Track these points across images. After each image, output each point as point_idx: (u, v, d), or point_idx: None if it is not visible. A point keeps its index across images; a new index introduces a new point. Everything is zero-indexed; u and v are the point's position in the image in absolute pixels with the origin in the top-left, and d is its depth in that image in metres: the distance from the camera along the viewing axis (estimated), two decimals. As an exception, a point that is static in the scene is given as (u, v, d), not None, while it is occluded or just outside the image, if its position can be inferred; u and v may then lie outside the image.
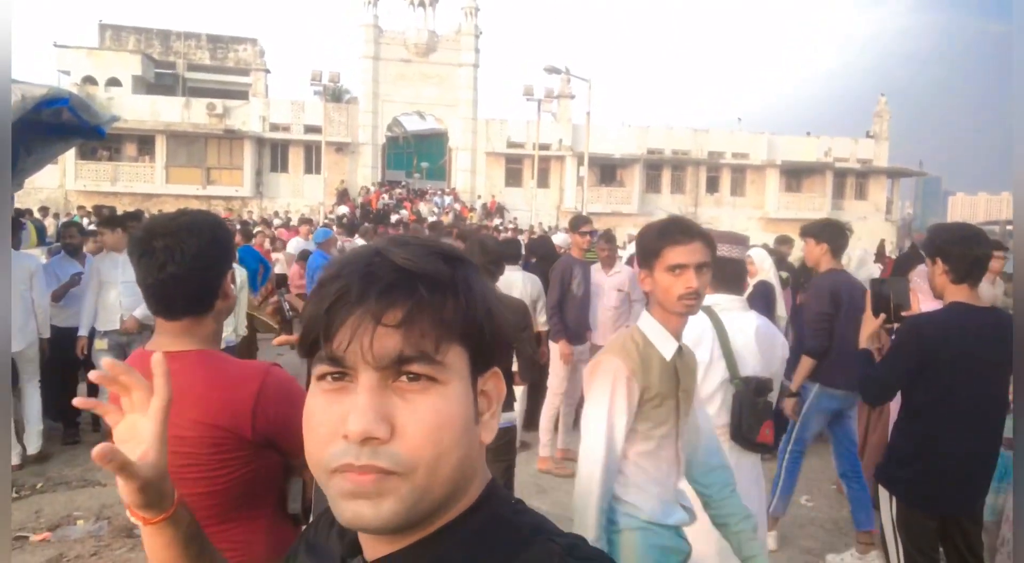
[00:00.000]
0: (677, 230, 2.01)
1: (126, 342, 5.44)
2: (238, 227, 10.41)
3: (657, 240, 2.02)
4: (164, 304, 1.50)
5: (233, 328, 5.50)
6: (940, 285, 2.68)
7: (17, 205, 11.09)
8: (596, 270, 6.14)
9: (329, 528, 0.80)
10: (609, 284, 6.10)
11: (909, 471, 2.70)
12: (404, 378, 0.63)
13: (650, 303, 2.11)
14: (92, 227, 8.93)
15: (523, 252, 7.06)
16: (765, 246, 6.35)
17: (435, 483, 0.64)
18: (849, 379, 4.14)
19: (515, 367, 3.97)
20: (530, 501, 3.57)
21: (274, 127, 33.09)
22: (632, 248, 13.01)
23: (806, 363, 4.18)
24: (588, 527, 1.97)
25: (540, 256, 7.20)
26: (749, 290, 4.49)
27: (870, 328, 2.82)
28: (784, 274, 6.32)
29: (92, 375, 0.84)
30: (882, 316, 2.79)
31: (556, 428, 5.73)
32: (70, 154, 28.02)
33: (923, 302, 3.35)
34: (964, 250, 2.61)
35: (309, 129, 32.92)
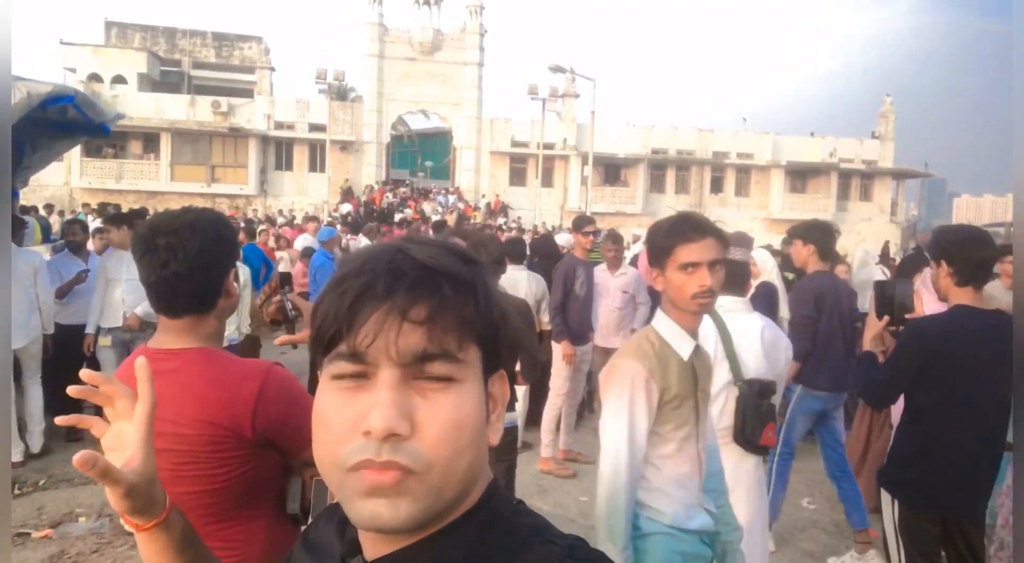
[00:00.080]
0: (688, 227, 1.96)
1: (129, 339, 5.45)
2: (242, 225, 10.44)
3: (668, 238, 1.97)
4: (166, 302, 1.50)
5: (236, 326, 5.51)
6: (944, 287, 2.67)
7: (22, 202, 11.13)
8: (601, 270, 6.13)
9: (329, 528, 0.80)
10: (614, 285, 6.08)
11: (911, 474, 2.69)
12: (425, 376, 0.63)
13: (664, 303, 2.06)
14: (97, 225, 8.96)
15: (528, 251, 7.06)
16: (769, 247, 6.34)
17: (449, 483, 0.64)
18: (832, 380, 4.16)
19: (517, 367, 3.97)
20: (531, 501, 3.58)
21: (279, 125, 33.13)
22: (636, 248, 12.99)
23: (791, 366, 4.20)
24: (616, 535, 1.91)
25: (542, 255, 7.20)
26: (752, 292, 4.50)
27: (873, 330, 2.81)
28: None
29: (71, 390, 0.83)
30: (886, 318, 2.78)
31: (558, 428, 5.73)
32: (75, 151, 28.09)
33: (927, 304, 3.34)
34: (968, 252, 2.59)
35: (314, 127, 32.96)
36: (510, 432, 3.55)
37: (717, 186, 37.29)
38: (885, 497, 2.78)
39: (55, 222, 15.41)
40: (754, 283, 4.84)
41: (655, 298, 6.73)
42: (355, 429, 0.62)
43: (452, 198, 31.78)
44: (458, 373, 0.64)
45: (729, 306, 2.80)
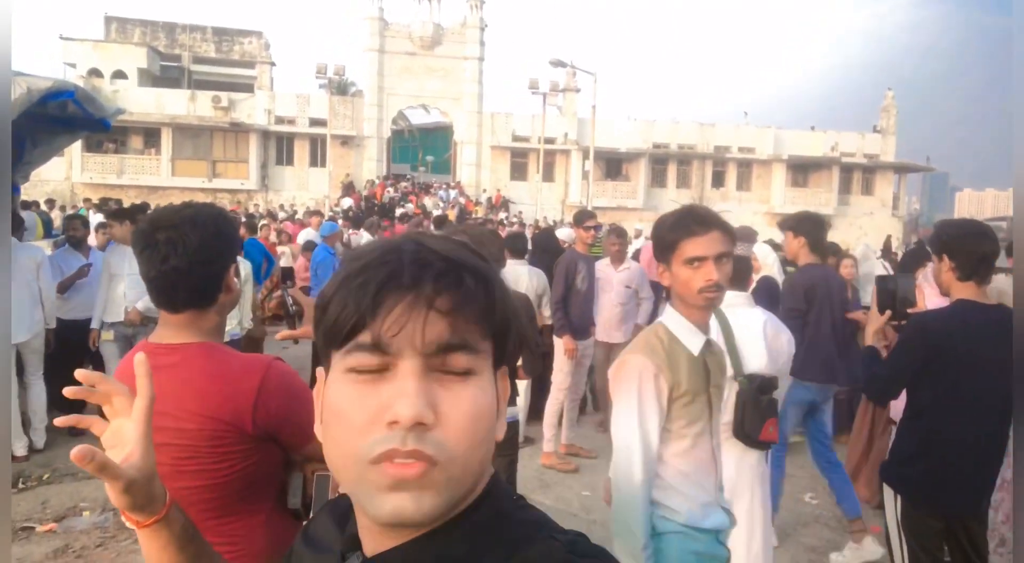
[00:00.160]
0: (693, 221, 1.93)
1: (132, 334, 5.47)
2: (243, 220, 10.42)
3: (672, 232, 1.94)
4: (166, 297, 1.50)
5: (238, 321, 5.51)
6: (946, 282, 2.66)
7: (23, 197, 11.12)
8: (604, 265, 6.10)
9: (328, 522, 0.80)
10: (617, 279, 6.05)
11: (914, 469, 2.68)
12: (446, 367, 0.63)
13: (672, 298, 2.04)
14: (99, 220, 8.96)
15: (529, 246, 7.05)
16: (770, 242, 6.34)
17: (466, 476, 0.64)
18: (822, 372, 4.17)
19: (519, 361, 3.97)
20: (534, 496, 3.58)
21: (279, 120, 33.10)
22: (638, 243, 12.98)
23: None
24: (634, 534, 1.88)
25: (542, 250, 7.20)
26: (753, 286, 4.50)
27: (875, 325, 2.80)
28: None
29: (67, 391, 0.83)
30: (888, 313, 2.77)
31: (560, 423, 5.73)
32: (76, 147, 28.06)
33: (929, 299, 3.33)
34: (970, 247, 2.58)
35: (314, 122, 32.93)
36: (511, 427, 3.56)
37: (719, 180, 37.22)
38: (888, 493, 2.78)
39: (56, 217, 15.40)
40: (755, 277, 4.85)
41: (658, 293, 6.74)
42: (377, 420, 0.61)
43: (453, 193, 31.76)
44: (476, 365, 0.65)
45: (731, 300, 2.79)
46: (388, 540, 0.66)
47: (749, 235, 5.28)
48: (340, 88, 35.53)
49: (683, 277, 1.93)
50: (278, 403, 1.45)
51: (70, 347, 5.63)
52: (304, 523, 0.92)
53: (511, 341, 0.69)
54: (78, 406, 3.84)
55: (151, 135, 31.74)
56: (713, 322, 2.67)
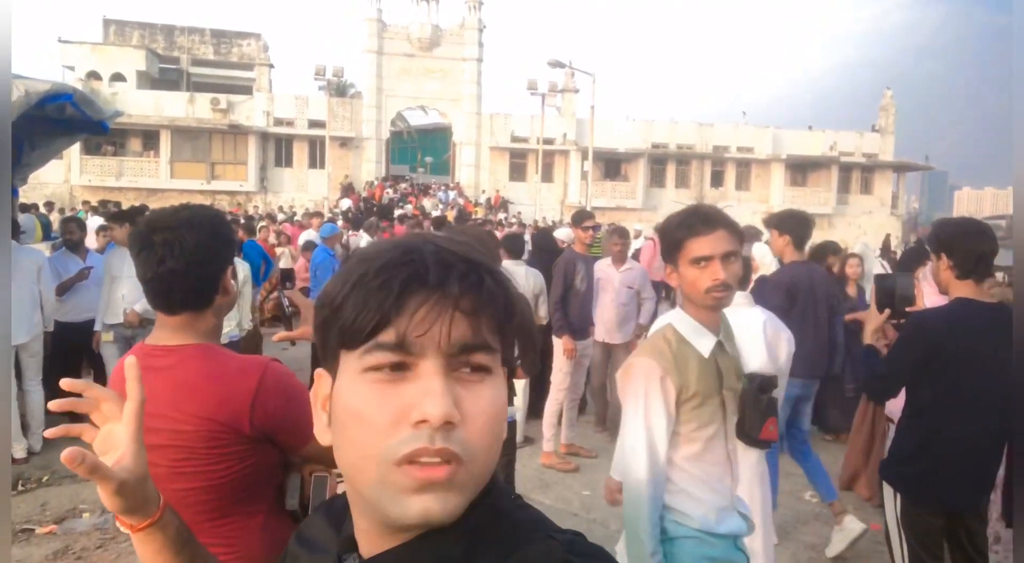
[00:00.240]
0: (698, 220, 1.91)
1: (131, 335, 5.47)
2: (241, 222, 10.44)
3: (678, 232, 1.93)
4: (163, 298, 1.49)
5: (237, 323, 5.51)
6: (945, 280, 2.66)
7: (22, 200, 11.14)
8: (606, 265, 6.08)
9: (323, 524, 0.80)
10: (619, 280, 6.02)
11: (913, 468, 2.68)
12: (466, 367, 0.63)
13: (681, 299, 2.02)
14: (99, 222, 8.96)
15: (527, 247, 7.06)
16: (768, 242, 6.35)
17: (484, 474, 0.64)
18: (806, 367, 4.20)
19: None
20: (534, 496, 3.58)
21: (278, 122, 33.10)
22: (637, 243, 13.00)
23: None
24: (642, 540, 1.85)
25: (540, 249, 7.22)
26: (751, 286, 4.52)
27: (874, 324, 2.81)
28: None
29: (53, 405, 0.83)
30: (887, 311, 2.77)
31: (560, 423, 5.73)
32: (75, 149, 28.08)
33: (928, 297, 3.33)
34: (968, 245, 2.58)
35: (313, 124, 32.94)
36: (509, 426, 3.55)
37: (717, 180, 37.23)
38: (887, 491, 2.78)
39: (55, 220, 15.40)
40: (753, 277, 4.86)
41: (658, 293, 6.74)
42: (402, 420, 0.61)
43: (452, 194, 31.77)
44: (493, 365, 0.65)
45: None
46: (385, 541, 0.66)
47: (755, 235, 5.29)
48: (339, 90, 35.55)
49: (690, 277, 1.91)
50: (276, 404, 1.45)
51: (67, 349, 5.65)
52: (299, 525, 0.92)
53: (523, 341, 0.70)
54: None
55: (150, 137, 31.74)
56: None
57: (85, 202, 22.43)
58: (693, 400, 1.91)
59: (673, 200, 29.54)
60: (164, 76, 35.81)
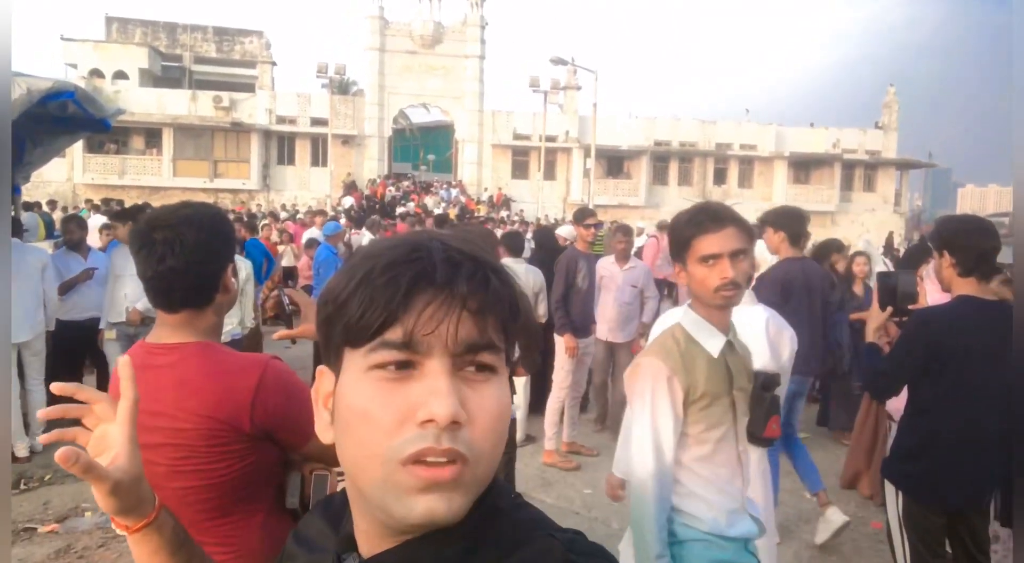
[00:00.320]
0: (707, 218, 1.88)
1: (133, 333, 5.49)
2: (244, 219, 10.44)
3: (687, 230, 1.90)
4: (163, 296, 1.49)
5: (239, 321, 5.52)
6: (947, 278, 2.65)
7: (25, 198, 11.15)
8: (609, 263, 6.05)
9: (320, 522, 0.79)
10: (623, 278, 5.99)
11: (915, 466, 2.68)
12: (471, 367, 0.63)
13: (690, 298, 2.00)
14: (102, 221, 8.97)
15: (526, 244, 7.05)
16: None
17: (488, 474, 0.64)
18: (799, 364, 4.20)
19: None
20: (535, 494, 3.57)
21: (281, 120, 33.10)
22: (640, 241, 12.97)
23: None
24: (647, 542, 1.83)
25: (541, 247, 7.23)
26: (753, 284, 4.52)
27: (877, 321, 2.80)
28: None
29: (41, 414, 0.83)
30: (889, 309, 2.76)
31: (561, 421, 5.73)
32: (77, 147, 28.09)
33: (931, 295, 3.32)
34: (971, 242, 2.57)
35: (315, 121, 32.93)
36: (510, 424, 3.56)
37: (720, 177, 37.16)
38: (889, 489, 2.77)
39: (58, 218, 15.43)
40: (754, 276, 4.86)
41: (660, 291, 6.73)
42: (408, 419, 0.60)
43: (454, 191, 31.76)
44: (498, 364, 0.65)
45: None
46: (385, 541, 0.65)
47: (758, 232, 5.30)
48: (341, 87, 35.53)
49: (699, 276, 1.89)
50: (276, 401, 1.44)
51: (69, 348, 5.67)
52: (298, 524, 0.92)
53: (527, 341, 0.70)
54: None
55: (152, 135, 31.75)
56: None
57: (88, 200, 22.48)
58: (702, 401, 1.88)
59: (684, 198, 29.46)
60: (167, 74, 35.83)
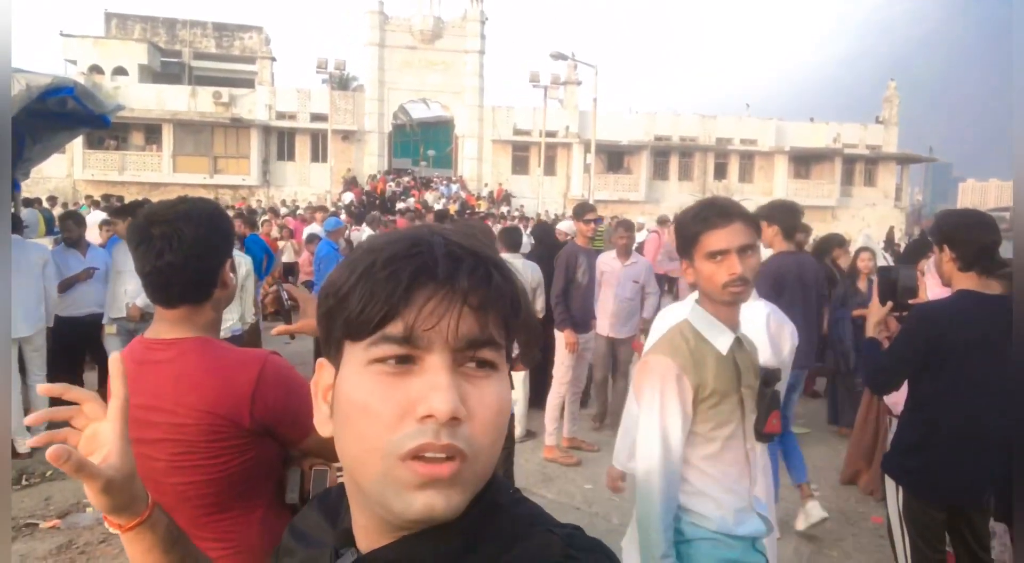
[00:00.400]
0: (713, 213, 1.86)
1: (133, 328, 5.51)
2: (244, 215, 10.44)
3: (693, 226, 1.88)
4: (161, 292, 1.49)
5: (240, 316, 5.52)
6: (947, 272, 2.64)
7: (25, 195, 11.15)
8: (611, 258, 6.05)
9: (317, 517, 0.79)
10: (625, 274, 5.99)
11: (915, 461, 2.67)
12: (472, 363, 0.63)
13: (698, 294, 1.98)
14: (102, 217, 8.97)
15: (524, 240, 7.05)
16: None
17: (487, 470, 0.64)
18: (795, 357, 4.21)
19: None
20: (536, 490, 3.58)
21: (280, 115, 33.05)
22: (640, 236, 12.97)
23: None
24: (653, 541, 1.82)
25: (540, 242, 7.23)
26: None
27: (877, 316, 2.79)
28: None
29: (28, 420, 0.83)
30: (889, 304, 2.76)
31: (562, 417, 5.74)
32: (77, 143, 28.09)
33: (931, 289, 3.32)
34: (971, 236, 2.56)
35: (315, 117, 32.89)
36: (509, 420, 3.56)
37: (721, 172, 37.11)
38: (889, 484, 2.77)
39: (58, 214, 15.42)
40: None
41: (661, 287, 6.73)
42: (408, 414, 0.60)
43: (455, 187, 31.72)
44: (499, 361, 0.65)
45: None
46: (383, 536, 0.65)
47: None
48: (341, 83, 35.48)
49: (706, 272, 1.86)
50: (275, 396, 1.44)
51: (69, 344, 5.68)
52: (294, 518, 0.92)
53: (527, 337, 0.69)
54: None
55: (152, 131, 31.74)
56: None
57: (88, 196, 22.46)
58: (710, 399, 1.87)
59: (689, 193, 29.41)
60: (166, 70, 35.76)
